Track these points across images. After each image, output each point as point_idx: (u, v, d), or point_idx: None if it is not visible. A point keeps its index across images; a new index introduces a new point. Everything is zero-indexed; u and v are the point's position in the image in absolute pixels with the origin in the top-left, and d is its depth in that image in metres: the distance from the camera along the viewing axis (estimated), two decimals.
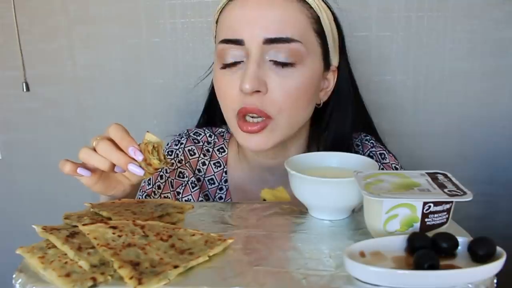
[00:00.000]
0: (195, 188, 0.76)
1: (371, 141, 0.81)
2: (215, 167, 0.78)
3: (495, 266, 0.38)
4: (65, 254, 0.42)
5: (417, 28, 1.01)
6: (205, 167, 0.78)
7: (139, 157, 0.54)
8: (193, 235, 0.46)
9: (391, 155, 0.80)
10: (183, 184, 0.76)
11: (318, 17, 0.67)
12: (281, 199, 0.72)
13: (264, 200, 0.73)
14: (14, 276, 0.41)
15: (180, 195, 0.75)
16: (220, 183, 0.78)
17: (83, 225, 0.45)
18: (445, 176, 0.49)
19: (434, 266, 0.37)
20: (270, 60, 0.64)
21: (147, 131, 0.56)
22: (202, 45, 1.05)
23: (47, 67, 1.09)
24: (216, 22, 0.71)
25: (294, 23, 0.64)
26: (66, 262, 0.41)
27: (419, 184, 0.46)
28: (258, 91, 0.63)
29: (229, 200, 0.77)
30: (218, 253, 0.44)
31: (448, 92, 1.05)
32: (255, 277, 0.40)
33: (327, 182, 0.52)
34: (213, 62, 0.81)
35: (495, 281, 0.40)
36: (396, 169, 0.78)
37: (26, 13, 1.06)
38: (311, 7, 0.67)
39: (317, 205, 0.54)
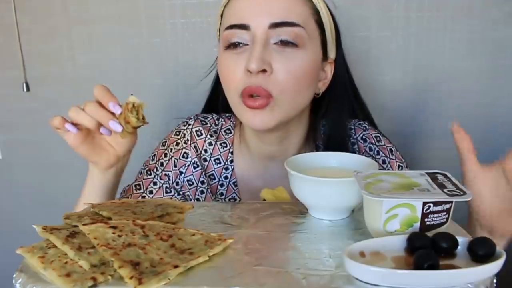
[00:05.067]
0: (196, 169, 0.79)
1: (364, 125, 0.83)
2: (221, 147, 0.80)
3: (495, 266, 0.38)
4: (65, 254, 0.42)
5: (416, 28, 1.01)
6: (211, 147, 0.80)
7: (118, 110, 0.60)
8: (193, 235, 0.47)
9: (385, 138, 0.82)
10: (186, 164, 0.79)
11: (318, 10, 0.72)
12: (281, 199, 0.72)
13: (264, 200, 0.73)
14: (14, 276, 0.41)
15: (183, 175, 0.78)
16: (226, 163, 0.80)
17: (83, 225, 0.46)
18: (445, 176, 0.49)
19: (434, 266, 0.37)
20: (275, 43, 0.68)
21: (131, 94, 0.61)
22: (202, 45, 1.06)
23: (47, 67, 1.09)
24: (221, 16, 0.74)
25: (297, 11, 0.69)
26: (66, 262, 0.41)
27: (419, 184, 0.46)
28: (264, 71, 0.66)
29: (235, 179, 0.80)
30: (218, 253, 0.44)
31: (447, 92, 1.05)
32: (255, 277, 0.40)
33: (327, 182, 0.52)
34: (215, 61, 0.81)
35: (495, 281, 0.40)
36: (392, 151, 0.81)
37: (26, 13, 1.06)
38: (311, 1, 0.71)
39: (317, 205, 0.54)
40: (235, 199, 0.79)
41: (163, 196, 0.76)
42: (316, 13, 0.71)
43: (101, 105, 0.62)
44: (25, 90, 1.10)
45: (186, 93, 1.08)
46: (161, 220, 0.50)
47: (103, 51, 1.08)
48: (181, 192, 0.78)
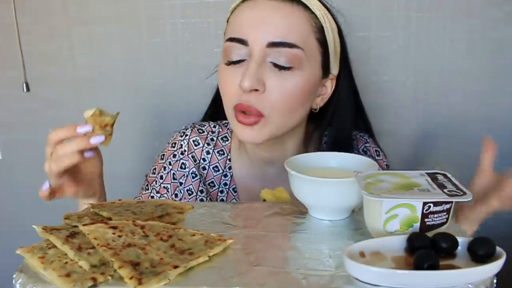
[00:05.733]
0: (195, 179, 0.79)
1: (365, 137, 0.84)
2: (219, 155, 0.81)
3: (495, 266, 0.38)
4: (65, 254, 0.42)
5: (416, 28, 1.01)
6: (209, 155, 0.81)
7: (89, 127, 0.61)
8: (193, 235, 0.47)
9: (383, 153, 0.85)
10: (185, 175, 0.79)
11: (322, 27, 0.71)
12: (281, 199, 0.72)
13: (264, 200, 0.73)
14: (14, 276, 0.41)
15: (183, 185, 0.79)
16: (225, 170, 0.81)
17: (83, 225, 0.46)
18: (445, 176, 0.49)
19: (434, 266, 0.37)
20: (271, 62, 0.67)
21: (84, 112, 0.61)
22: (202, 45, 1.05)
23: (47, 68, 1.09)
24: (227, 21, 0.75)
25: (298, 30, 0.68)
26: (66, 262, 0.41)
27: (419, 184, 0.46)
28: (256, 90, 0.67)
29: (234, 186, 0.80)
30: (218, 253, 0.44)
31: (447, 92, 1.05)
32: (255, 277, 0.40)
33: (327, 182, 0.52)
34: None
35: (495, 281, 0.40)
36: (388, 166, 0.83)
37: (26, 13, 1.06)
38: (316, 17, 0.70)
39: (317, 205, 0.54)
40: None
41: None
42: (319, 31, 0.70)
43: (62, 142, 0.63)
44: (25, 90, 1.10)
45: (186, 93, 1.08)
46: (161, 220, 0.50)
47: (103, 51, 1.08)
48: None
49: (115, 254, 0.41)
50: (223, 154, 0.81)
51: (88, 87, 1.10)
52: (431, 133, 1.07)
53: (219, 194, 0.80)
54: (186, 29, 1.05)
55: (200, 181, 0.79)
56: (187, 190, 0.79)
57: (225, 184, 0.80)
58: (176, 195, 0.78)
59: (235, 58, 0.69)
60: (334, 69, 0.75)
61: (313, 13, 0.70)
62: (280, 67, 0.67)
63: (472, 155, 1.07)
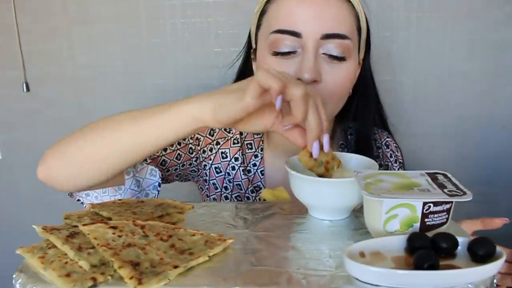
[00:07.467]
0: (236, 144, 0.81)
1: (385, 132, 0.87)
2: (255, 134, 0.82)
3: (495, 266, 0.38)
4: (65, 254, 0.42)
5: (417, 29, 1.01)
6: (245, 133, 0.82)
7: (327, 148, 0.54)
8: (193, 235, 0.47)
9: (400, 150, 0.88)
10: (226, 138, 0.81)
11: (358, 15, 0.73)
12: (281, 199, 0.72)
13: (264, 200, 0.73)
14: (14, 276, 0.41)
15: (219, 145, 0.80)
16: (257, 150, 0.82)
17: (83, 225, 0.46)
18: (445, 176, 0.49)
19: (434, 266, 0.37)
20: (324, 53, 0.68)
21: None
22: (202, 45, 1.05)
23: (47, 67, 1.09)
24: (262, 12, 0.73)
25: (346, 21, 0.70)
26: (66, 262, 0.41)
27: (419, 184, 0.46)
28: (315, 81, 0.67)
29: (263, 168, 0.81)
30: (218, 253, 0.44)
31: (447, 93, 1.05)
32: (255, 277, 0.40)
33: (327, 182, 0.52)
34: (243, 48, 0.81)
35: (495, 281, 0.40)
36: (402, 163, 0.86)
37: (26, 13, 1.06)
38: (353, 6, 0.72)
39: (317, 205, 0.54)
40: (260, 188, 0.80)
41: (186, 153, 0.78)
42: (357, 19, 0.72)
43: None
44: (25, 90, 1.10)
45: (186, 93, 1.08)
46: (161, 220, 0.50)
47: (103, 51, 1.08)
48: (202, 163, 0.79)
49: (115, 254, 0.41)
50: (258, 134, 0.82)
51: (88, 86, 1.10)
52: (430, 133, 1.07)
53: (247, 173, 0.80)
54: (186, 29, 1.05)
55: (239, 150, 0.81)
56: (222, 153, 0.80)
57: (254, 165, 0.81)
58: (204, 151, 0.79)
59: (284, 50, 0.69)
60: (361, 53, 0.77)
61: (351, 3, 0.71)
62: (334, 58, 0.68)
63: (471, 155, 1.08)
